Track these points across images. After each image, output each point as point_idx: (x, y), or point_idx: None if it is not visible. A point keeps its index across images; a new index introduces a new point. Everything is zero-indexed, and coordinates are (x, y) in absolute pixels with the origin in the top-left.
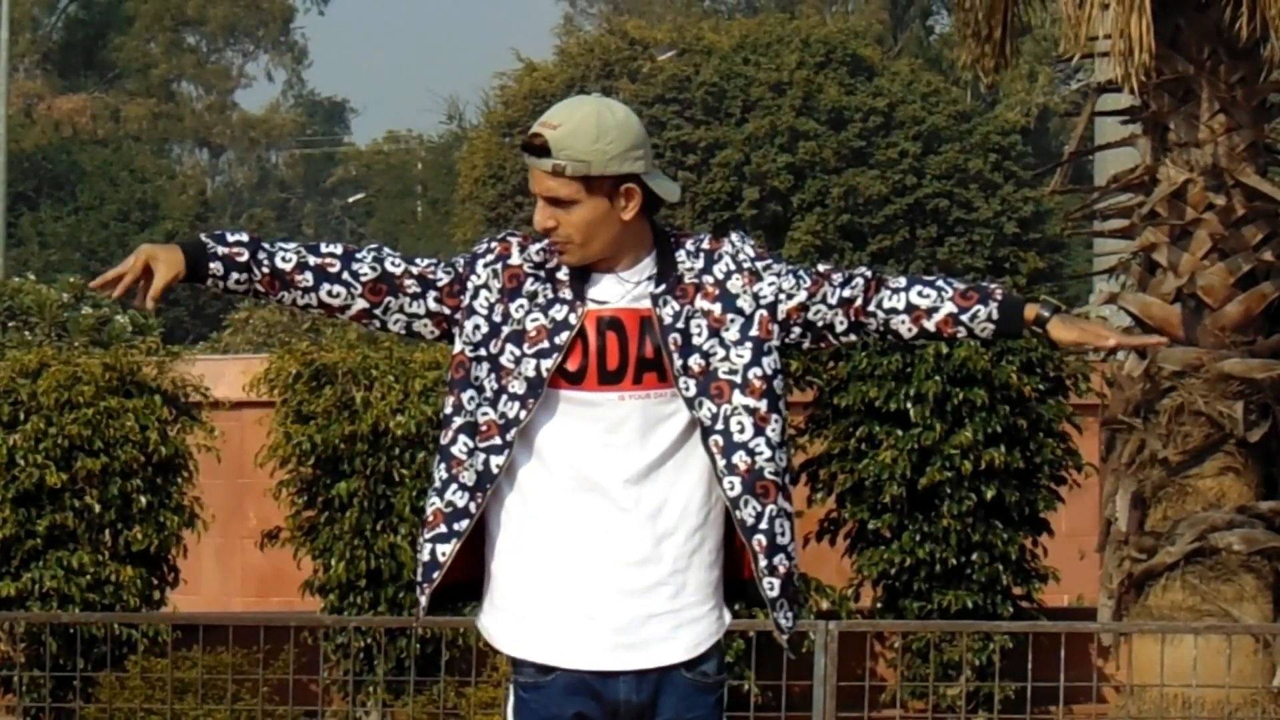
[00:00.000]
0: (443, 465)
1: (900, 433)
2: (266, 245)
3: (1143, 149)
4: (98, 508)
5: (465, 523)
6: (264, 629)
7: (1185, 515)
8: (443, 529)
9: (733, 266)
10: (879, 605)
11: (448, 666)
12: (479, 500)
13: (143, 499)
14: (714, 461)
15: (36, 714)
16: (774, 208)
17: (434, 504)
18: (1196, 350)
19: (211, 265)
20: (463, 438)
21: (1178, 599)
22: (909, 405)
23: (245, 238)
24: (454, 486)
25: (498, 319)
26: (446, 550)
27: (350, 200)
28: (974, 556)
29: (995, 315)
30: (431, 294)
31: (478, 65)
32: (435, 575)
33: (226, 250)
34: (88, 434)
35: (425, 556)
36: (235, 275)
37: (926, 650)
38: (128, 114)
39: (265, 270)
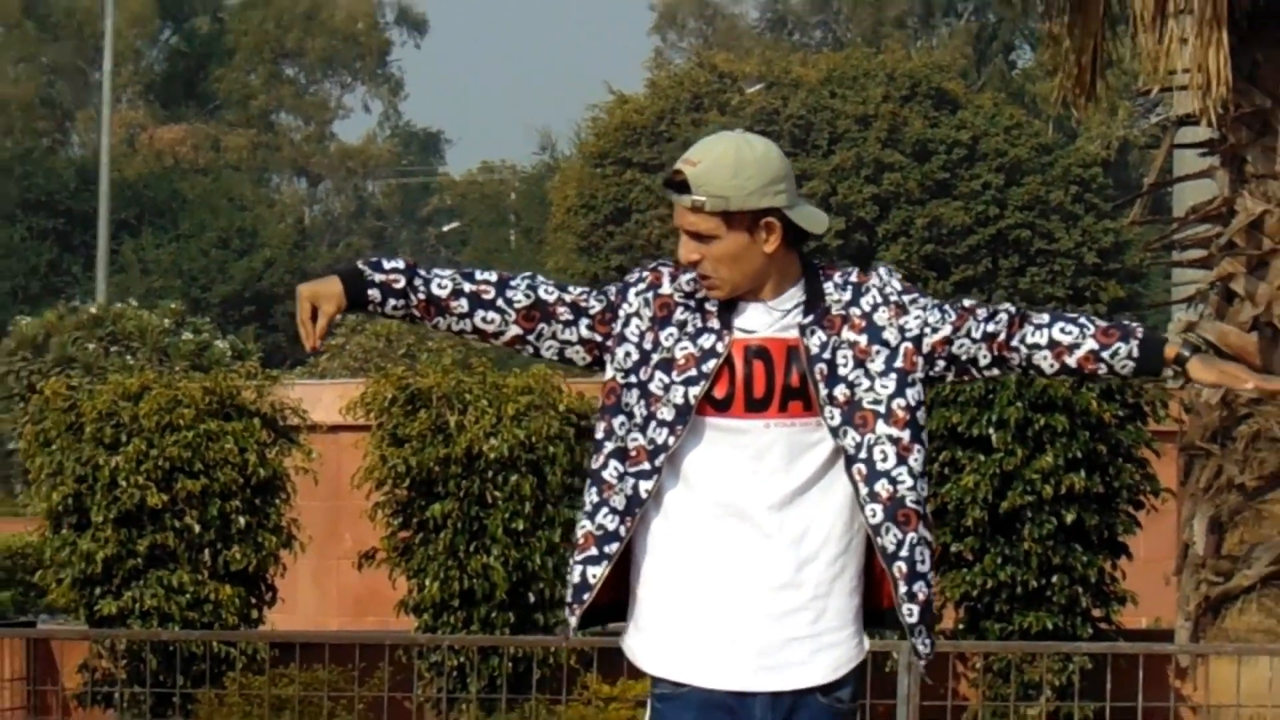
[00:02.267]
0: (594, 489)
1: (983, 458)
2: (422, 271)
3: (1220, 181)
4: (197, 528)
5: (615, 546)
6: (359, 647)
7: (1262, 539)
8: (593, 551)
9: (879, 299)
10: (961, 626)
11: (539, 685)
12: (628, 524)
13: (241, 520)
14: (857, 489)
15: None
16: (859, 238)
17: (585, 527)
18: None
19: (370, 292)
20: (614, 462)
21: (1254, 621)
22: (991, 431)
23: (402, 264)
24: (605, 510)
25: (648, 346)
26: (597, 573)
27: (445, 229)
28: (1054, 579)
29: (1136, 353)
30: (584, 321)
31: (570, 97)
32: (586, 597)
33: (383, 277)
34: (188, 456)
35: (576, 578)
36: (393, 301)
37: (1008, 671)
38: (228, 144)
39: (421, 296)
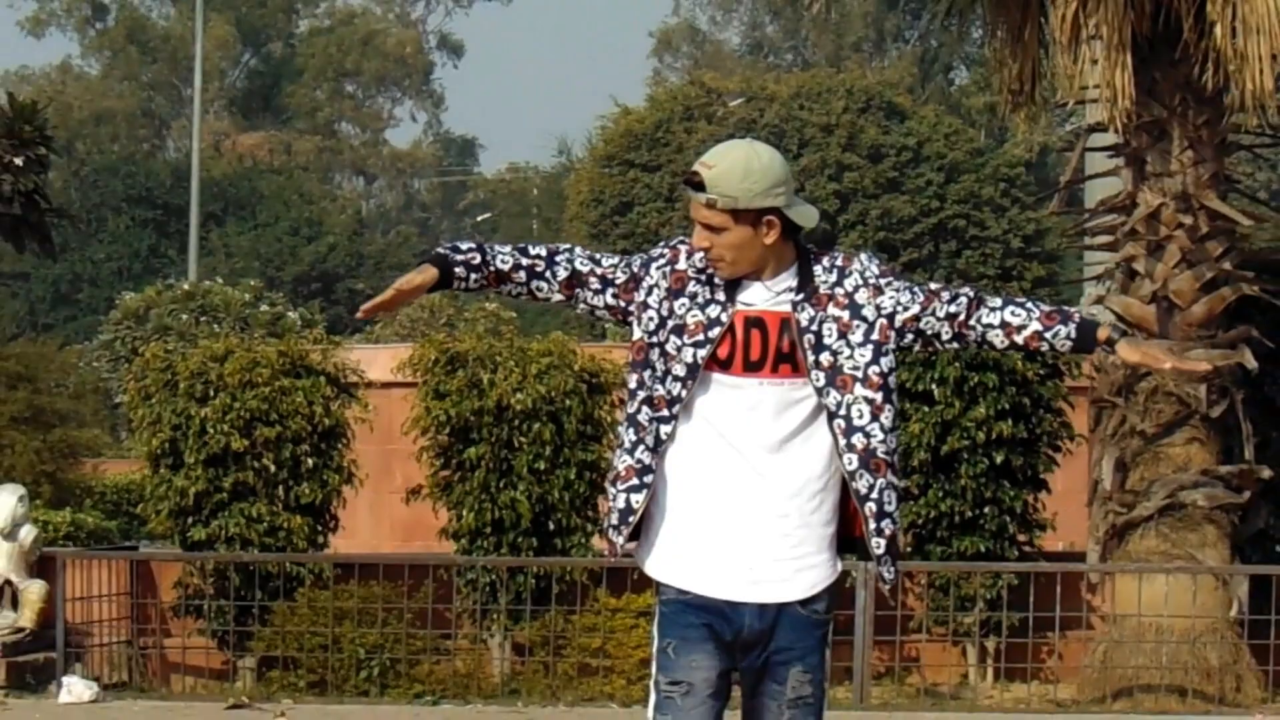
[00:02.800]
0: (631, 430)
1: (926, 409)
2: (488, 250)
3: (1125, 178)
4: (273, 468)
5: (650, 476)
6: (408, 567)
7: (1159, 477)
8: (635, 481)
9: (860, 281)
10: (909, 550)
11: (558, 599)
12: (657, 459)
13: (310, 461)
14: (836, 440)
15: (223, 635)
16: (823, 226)
17: (625, 461)
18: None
19: (457, 270)
20: (645, 409)
21: (1152, 545)
22: (934, 386)
23: (474, 245)
24: (641, 447)
25: (665, 313)
26: (640, 499)
27: (478, 219)
28: (986, 510)
29: (1074, 334)
30: (610, 290)
31: (583, 109)
32: (631, 519)
33: (464, 258)
34: (265, 408)
35: (621, 504)
36: (474, 276)
37: (947, 586)
38: (298, 148)
39: (492, 270)
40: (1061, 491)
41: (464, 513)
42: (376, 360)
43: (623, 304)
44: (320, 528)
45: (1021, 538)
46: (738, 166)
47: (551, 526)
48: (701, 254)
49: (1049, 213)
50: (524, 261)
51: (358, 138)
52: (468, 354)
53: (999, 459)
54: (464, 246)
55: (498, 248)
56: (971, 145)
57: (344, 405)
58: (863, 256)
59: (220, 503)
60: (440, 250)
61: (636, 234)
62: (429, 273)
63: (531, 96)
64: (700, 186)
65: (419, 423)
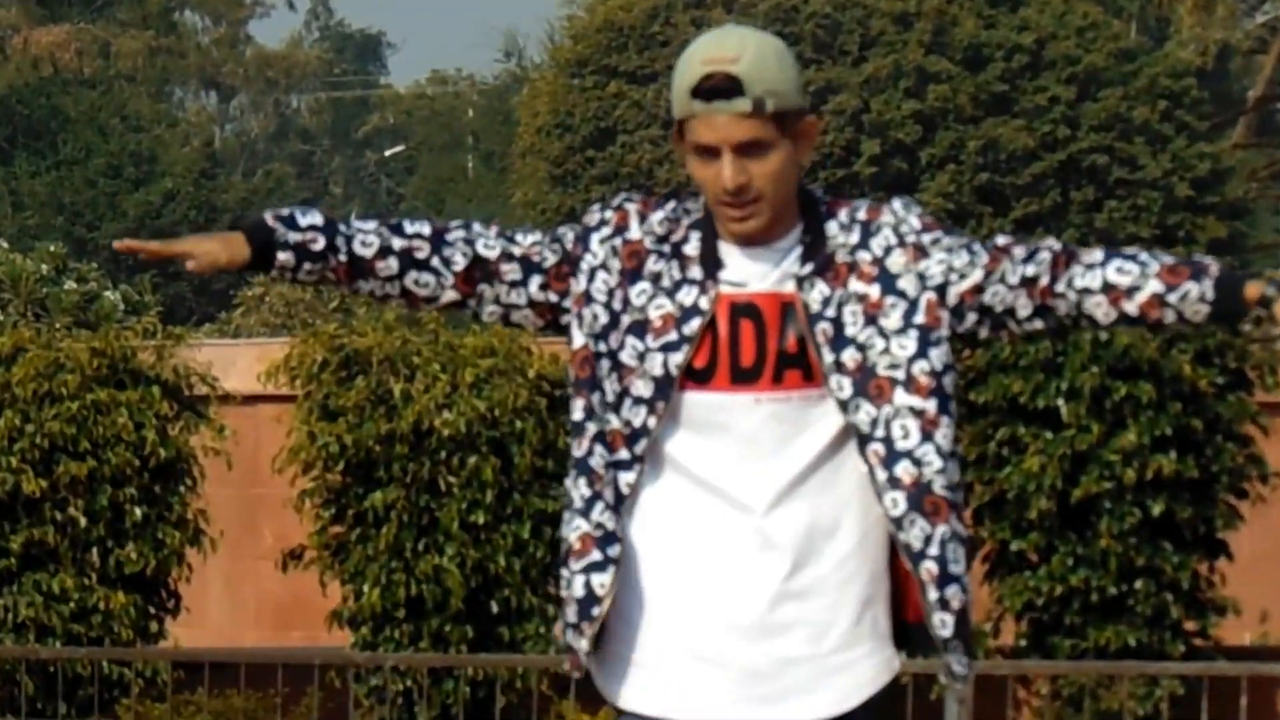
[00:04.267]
0: (582, 481)
1: (1050, 435)
2: (343, 228)
3: None
4: (84, 521)
5: (618, 547)
6: (282, 668)
7: None
8: (596, 556)
9: (894, 240)
10: (1023, 642)
11: (503, 714)
12: (622, 522)
13: (137, 511)
14: (873, 474)
15: None
16: (898, 164)
17: (579, 528)
18: None
19: (281, 256)
20: (600, 449)
21: None
22: (1060, 402)
23: (319, 220)
24: (600, 505)
25: (618, 306)
26: (605, 581)
27: (387, 154)
28: (1137, 585)
29: (1210, 294)
30: (535, 279)
31: None
32: (596, 611)
33: (300, 238)
34: (72, 432)
35: (579, 591)
36: (307, 265)
37: (1080, 697)
38: (120, 49)
39: (342, 258)
40: (1249, 558)
41: (365, 587)
42: (236, 362)
43: (554, 298)
44: (153, 609)
45: (1190, 625)
46: (769, 50)
47: (495, 609)
48: (662, 212)
49: (1232, 146)
50: (396, 244)
51: (208, 33)
52: (371, 353)
53: (1156, 509)
54: (304, 221)
55: (356, 224)
56: (1117, 45)
57: (188, 429)
58: (897, 204)
59: (6, 573)
60: (264, 218)
61: (621, 175)
62: (236, 248)
63: None
64: (732, 89)
65: (299, 455)
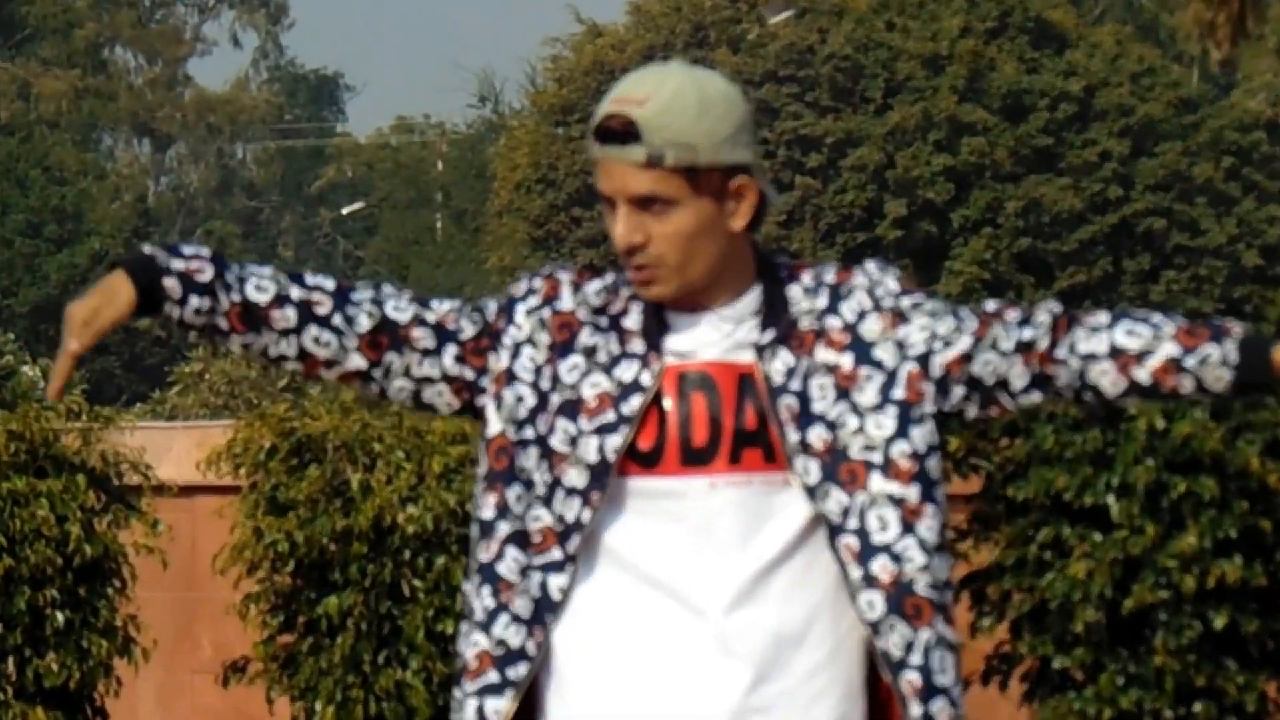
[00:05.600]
0: (486, 590)
1: (1099, 537)
2: (236, 267)
3: None
4: None
5: (524, 668)
6: None
7: None
8: (493, 677)
9: (868, 304)
10: None
11: None
12: (538, 638)
13: (59, 616)
14: (846, 572)
15: None
16: (926, 227)
17: (477, 644)
18: None
19: (166, 283)
20: (512, 551)
21: None
22: (1111, 500)
23: (206, 252)
24: (504, 619)
25: (545, 386)
26: (501, 708)
27: (345, 211)
28: (1196, 708)
29: (1234, 358)
30: (450, 350)
31: (521, 29)
32: None
33: (184, 265)
34: None
35: (470, 716)
36: (195, 301)
37: None
38: (41, 90)
39: (235, 299)
40: None
41: (319, 705)
42: (172, 447)
43: (470, 374)
44: None
45: None
46: (687, 96)
47: None
48: (600, 282)
49: None
50: (295, 294)
51: (141, 73)
52: (326, 439)
53: (1219, 622)
54: (188, 251)
55: (251, 267)
56: (1177, 94)
57: (117, 523)
58: (870, 266)
59: None
60: (146, 252)
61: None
62: (118, 293)
63: (434, 7)
64: (627, 134)
65: (243, 553)
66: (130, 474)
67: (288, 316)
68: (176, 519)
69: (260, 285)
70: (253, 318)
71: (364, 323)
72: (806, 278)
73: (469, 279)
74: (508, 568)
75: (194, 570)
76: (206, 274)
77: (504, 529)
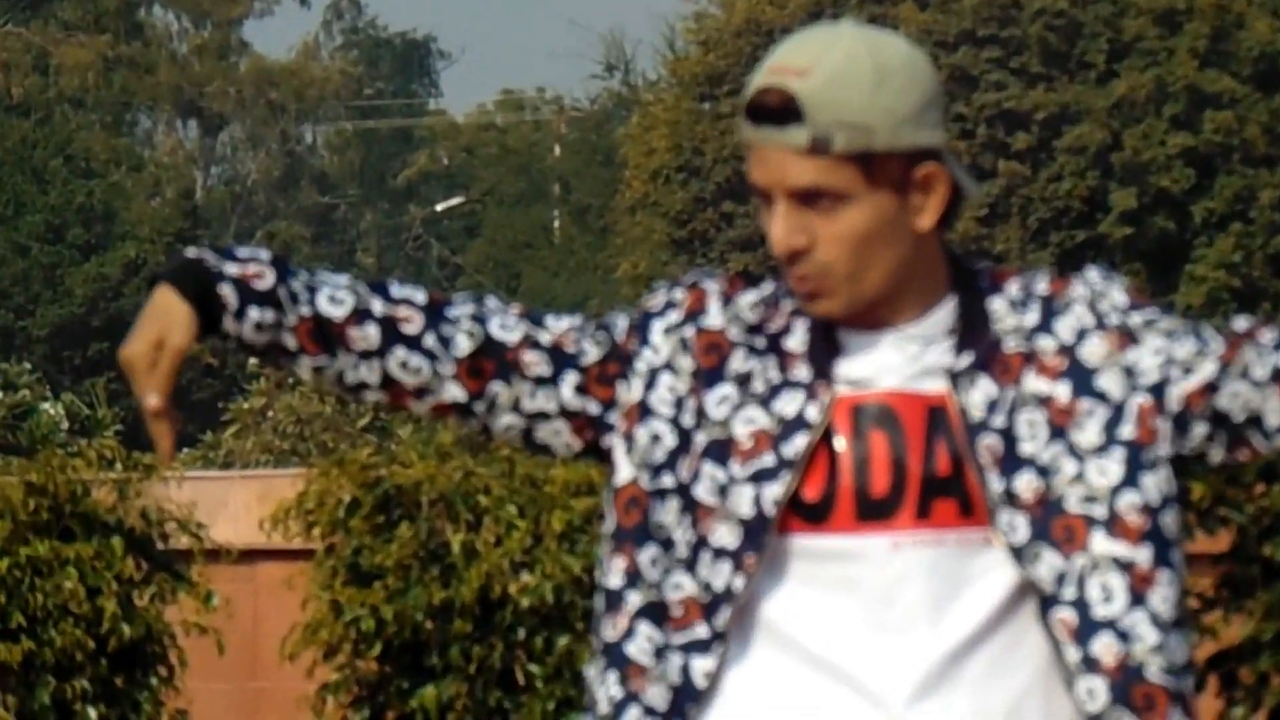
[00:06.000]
0: (611, 676)
1: None
2: (303, 273)
3: None
4: None
5: None
6: None
7: None
8: None
9: (1089, 322)
10: None
11: None
12: None
13: (91, 713)
14: (1060, 653)
15: None
16: (1161, 223)
17: None
18: None
19: (221, 291)
20: (645, 628)
21: None
22: None
23: (265, 255)
24: (634, 712)
25: (688, 423)
26: None
27: (440, 208)
28: None
29: None
30: (570, 378)
31: None
32: None
33: (239, 270)
34: (1, 601)
35: None
36: (255, 314)
37: None
38: (63, 60)
39: (304, 312)
40: None
41: None
42: (229, 502)
43: (594, 409)
44: None
45: None
46: (861, 66)
47: None
48: (755, 293)
49: None
50: (376, 308)
51: (186, 39)
52: (419, 490)
53: None
54: (242, 253)
55: (321, 274)
56: None
57: (162, 597)
58: (1093, 274)
59: None
60: (192, 255)
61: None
62: (177, 314)
63: None
64: (787, 113)
65: (318, 635)
66: (177, 536)
67: (369, 336)
68: (235, 591)
69: (335, 297)
70: (326, 336)
71: (463, 344)
72: (1013, 288)
73: (594, 290)
74: (639, 648)
75: (257, 655)
76: (267, 279)
77: (635, 600)
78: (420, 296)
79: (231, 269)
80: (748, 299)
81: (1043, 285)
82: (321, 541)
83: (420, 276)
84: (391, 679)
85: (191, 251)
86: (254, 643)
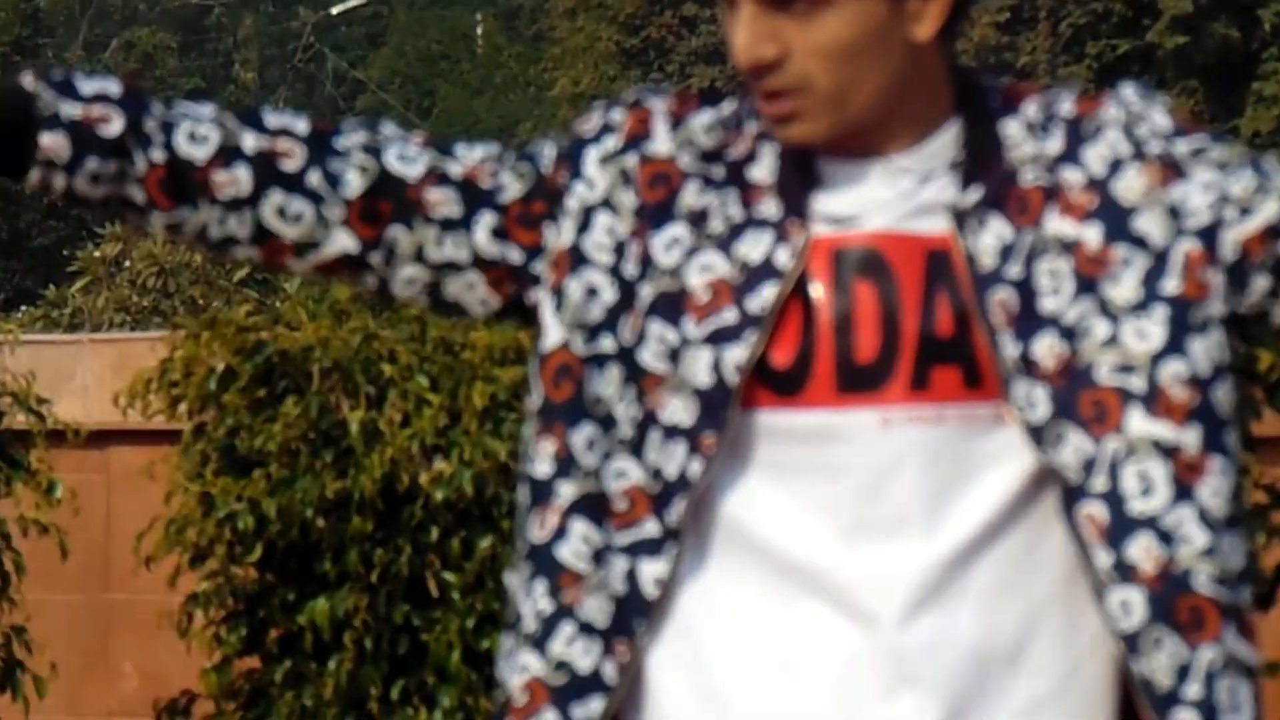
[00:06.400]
0: (539, 585)
1: None
2: (158, 105)
3: None
4: None
5: (598, 704)
6: None
7: None
8: (549, 715)
9: (1125, 150)
10: None
11: None
12: (621, 656)
13: None
14: (1088, 558)
15: None
16: (1223, 31)
17: (527, 668)
18: None
19: (46, 142)
20: (580, 525)
21: None
22: None
23: (115, 89)
24: (568, 629)
25: (631, 272)
26: None
27: (335, 10)
28: None
29: None
30: (486, 220)
31: None
32: None
33: (81, 112)
34: None
35: None
36: (94, 163)
37: None
38: None
39: (157, 157)
40: None
41: None
42: (76, 372)
43: (515, 257)
44: None
45: None
46: None
47: None
48: (710, 111)
49: None
50: (247, 143)
51: None
52: (310, 358)
53: None
54: (87, 87)
55: (182, 105)
56: None
57: None
58: (1128, 91)
59: None
60: (22, 85)
61: None
62: None
63: None
64: None
65: (186, 534)
66: (12, 414)
67: (238, 179)
68: (83, 481)
69: (196, 134)
70: (185, 184)
71: (354, 182)
72: (1030, 109)
73: (525, 112)
74: (573, 551)
75: (110, 559)
76: (114, 124)
77: (568, 492)
78: (301, 125)
79: (69, 110)
80: (702, 120)
81: (1068, 105)
82: (189, 420)
83: (311, 96)
84: (274, 589)
85: (26, 79)
86: (106, 544)
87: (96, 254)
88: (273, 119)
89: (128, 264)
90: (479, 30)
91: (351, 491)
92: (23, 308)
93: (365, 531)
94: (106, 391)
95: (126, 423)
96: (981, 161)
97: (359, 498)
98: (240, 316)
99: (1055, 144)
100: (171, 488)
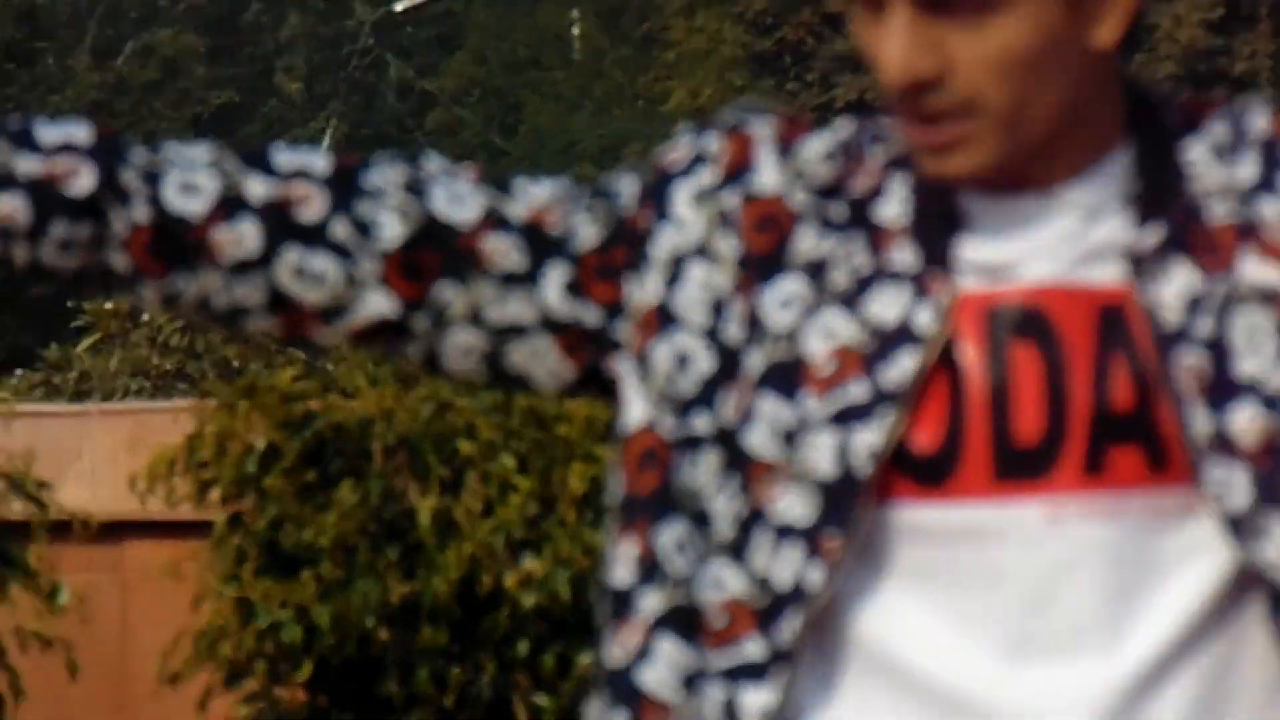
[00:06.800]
0: (618, 714)
1: None
2: (139, 151)
3: None
4: None
5: None
6: None
7: None
8: None
9: None
10: None
11: None
12: None
13: None
14: None
15: None
16: None
17: None
18: None
19: (0, 205)
20: (667, 646)
21: None
22: None
23: (86, 136)
24: None
25: (735, 336)
26: None
27: (399, 6)
28: None
29: None
30: (557, 272)
31: None
32: None
33: (39, 169)
34: None
35: None
36: (60, 228)
37: None
38: None
39: (140, 216)
40: None
41: None
42: (83, 451)
43: (592, 318)
44: None
45: None
46: None
47: None
48: (827, 134)
49: None
50: (253, 192)
51: None
52: (369, 433)
53: None
54: (47, 134)
55: (171, 148)
56: None
57: None
58: None
59: None
60: None
61: None
62: None
63: None
64: None
65: (218, 649)
66: (7, 500)
67: (243, 237)
68: (94, 583)
69: (189, 184)
70: (178, 246)
71: (391, 230)
72: (1217, 128)
73: (633, 132)
74: (658, 677)
75: (127, 678)
76: (84, 179)
77: (652, 604)
78: (321, 164)
79: (29, 165)
80: (816, 147)
81: (1260, 122)
82: (222, 509)
83: (370, 111)
84: (328, 715)
85: None
86: (122, 660)
87: (107, 306)
88: (284, 159)
89: (145, 318)
90: (575, 31)
91: (421, 596)
92: (18, 371)
93: (438, 645)
94: (120, 474)
95: (145, 512)
96: (1161, 194)
97: (430, 603)
98: (285, 382)
99: (1248, 171)
100: (201, 591)
